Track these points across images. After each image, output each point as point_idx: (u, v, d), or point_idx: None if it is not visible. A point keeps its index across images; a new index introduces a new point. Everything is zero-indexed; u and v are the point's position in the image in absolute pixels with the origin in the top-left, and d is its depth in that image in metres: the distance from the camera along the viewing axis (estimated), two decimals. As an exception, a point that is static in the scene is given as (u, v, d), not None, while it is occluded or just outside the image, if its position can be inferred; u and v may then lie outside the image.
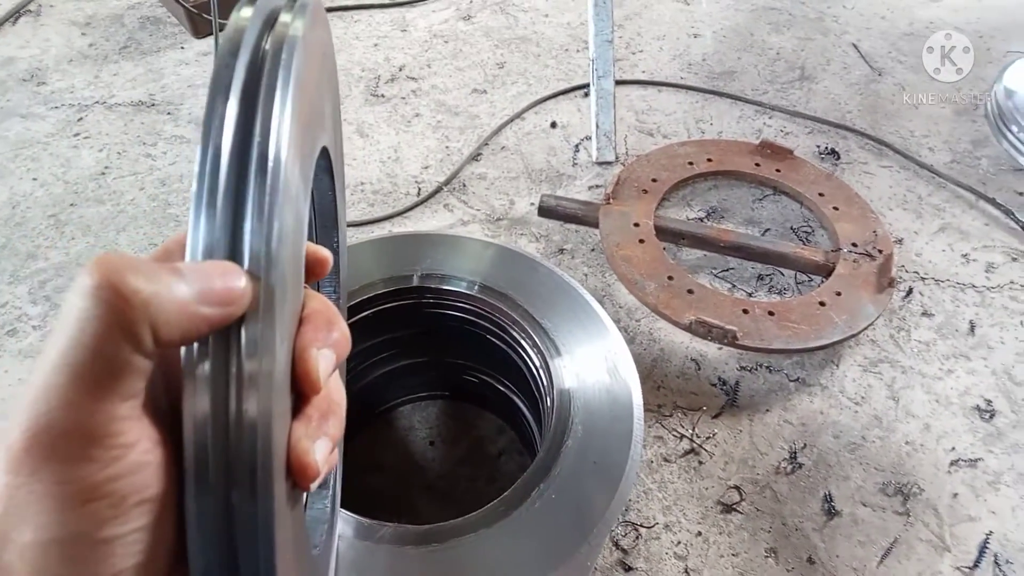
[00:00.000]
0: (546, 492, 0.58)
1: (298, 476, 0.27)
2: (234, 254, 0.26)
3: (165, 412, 0.26)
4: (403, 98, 1.33)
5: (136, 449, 0.23)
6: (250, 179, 0.26)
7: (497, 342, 0.75)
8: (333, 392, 0.30)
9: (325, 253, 0.34)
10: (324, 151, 0.38)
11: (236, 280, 0.25)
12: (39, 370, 0.22)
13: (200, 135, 0.27)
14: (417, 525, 0.57)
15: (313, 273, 0.33)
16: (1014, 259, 1.10)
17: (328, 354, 0.29)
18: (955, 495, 0.85)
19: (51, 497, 0.22)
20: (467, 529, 0.56)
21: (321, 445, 0.28)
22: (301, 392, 0.28)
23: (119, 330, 0.22)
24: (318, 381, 0.28)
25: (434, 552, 0.55)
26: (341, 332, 0.31)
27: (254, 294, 0.25)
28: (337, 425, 0.30)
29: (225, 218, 0.26)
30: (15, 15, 1.43)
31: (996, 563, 0.80)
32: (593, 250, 1.09)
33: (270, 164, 0.26)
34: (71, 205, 1.10)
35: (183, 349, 0.25)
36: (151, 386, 0.24)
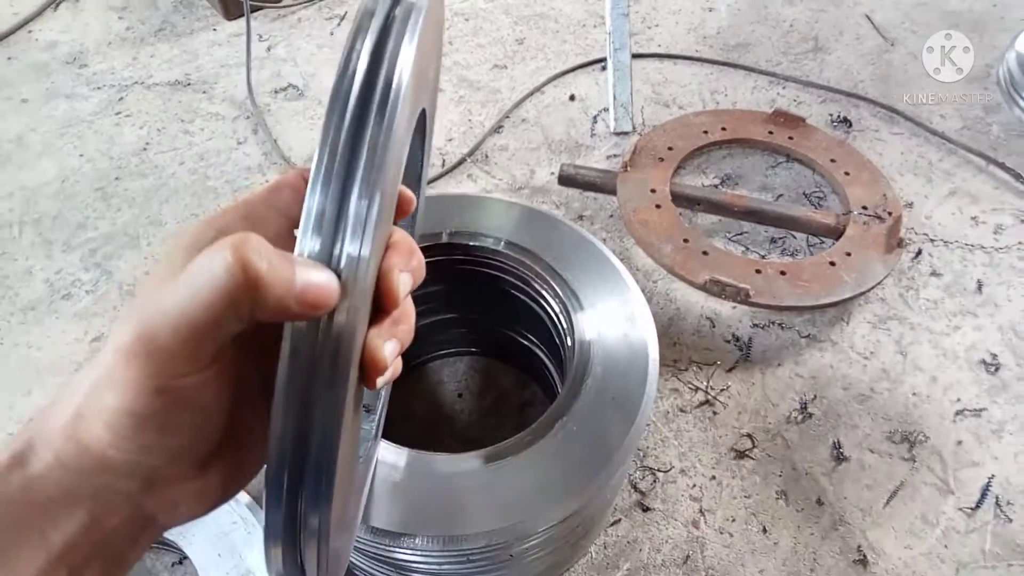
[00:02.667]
0: (568, 424, 0.63)
1: (369, 368, 0.33)
2: (348, 177, 0.31)
3: (246, 335, 0.31)
4: (427, 74, 1.37)
5: (209, 371, 0.30)
6: (371, 116, 0.31)
7: (522, 296, 0.80)
8: (407, 306, 0.35)
9: (411, 194, 0.39)
10: (423, 112, 0.43)
11: (329, 292, 0.30)
12: (165, 296, 0.28)
13: (337, 69, 0.31)
14: (451, 453, 0.62)
15: (401, 211, 0.38)
16: (1022, 221, 1.13)
17: (407, 277, 0.34)
18: (959, 442, 0.89)
19: (135, 381, 0.28)
20: (495, 457, 0.61)
21: (391, 346, 0.33)
22: (382, 306, 0.34)
23: (230, 301, 0.28)
24: (398, 298, 0.34)
25: (468, 476, 0.60)
26: (419, 260, 0.36)
27: (340, 298, 0.30)
28: (407, 331, 0.35)
29: (346, 145, 0.31)
30: (56, 1, 1.49)
31: (997, 504, 0.84)
32: (611, 216, 1.13)
33: (389, 102, 0.31)
34: (116, 179, 1.17)
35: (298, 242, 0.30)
36: None
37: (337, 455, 0.32)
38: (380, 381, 0.34)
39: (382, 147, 0.31)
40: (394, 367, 0.35)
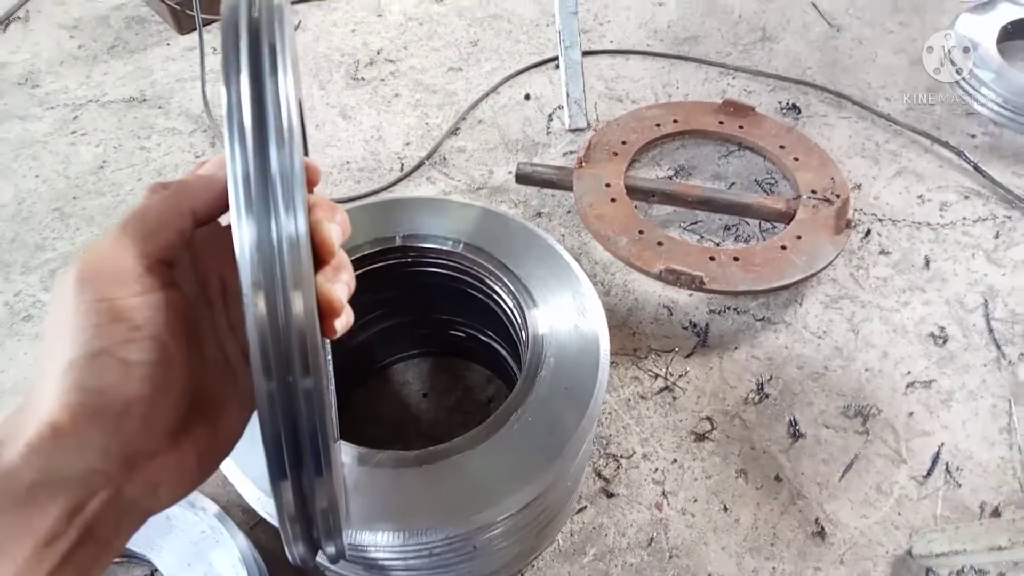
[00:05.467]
0: (523, 416, 0.65)
1: (327, 311, 0.34)
2: (263, 144, 0.32)
3: (190, 290, 0.34)
4: (382, 80, 1.38)
5: (156, 294, 0.32)
6: (265, 68, 0.32)
7: (477, 295, 0.81)
8: (343, 256, 0.37)
9: (315, 164, 0.40)
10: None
11: None
12: (103, 237, 0.31)
13: (223, 87, 0.32)
14: (410, 451, 0.64)
15: (310, 181, 0.39)
16: (966, 197, 1.17)
17: (336, 228, 0.36)
18: (911, 414, 0.92)
19: (89, 312, 0.30)
20: (454, 451, 0.63)
21: (340, 288, 0.35)
22: (320, 257, 0.35)
23: (164, 207, 0.32)
24: (333, 246, 0.35)
25: (427, 472, 0.62)
26: (343, 215, 0.38)
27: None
28: (350, 277, 0.37)
29: (253, 107, 0.32)
30: (5, 22, 1.48)
31: (947, 471, 0.87)
32: (569, 212, 1.15)
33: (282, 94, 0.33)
34: (74, 198, 1.17)
35: (233, 221, 0.32)
36: (182, 264, 0.33)
37: (329, 432, 0.34)
38: (338, 325, 0.35)
39: (284, 103, 0.32)
40: (347, 314, 0.36)
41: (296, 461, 0.34)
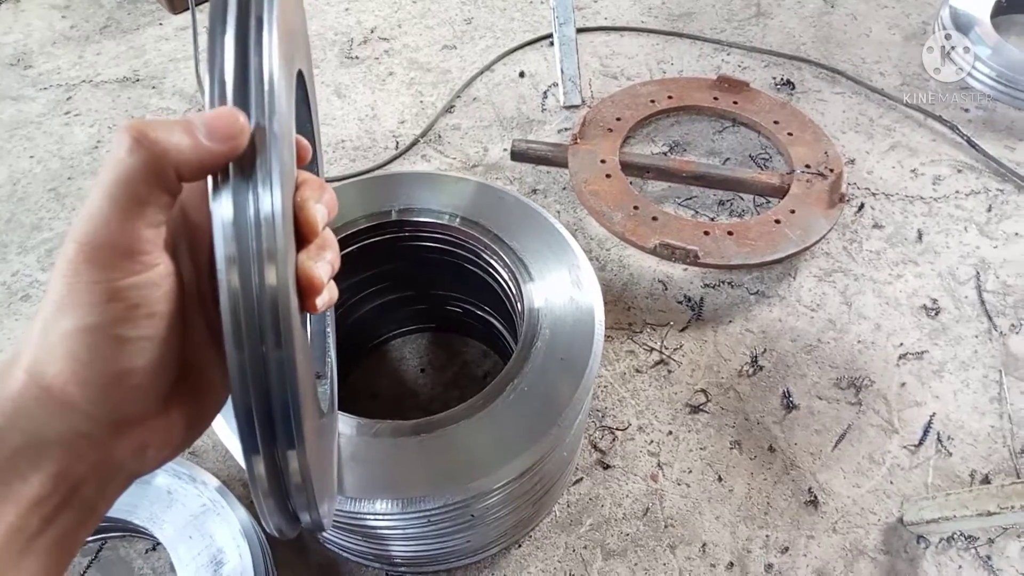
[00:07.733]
0: (519, 386, 0.66)
1: (307, 289, 0.35)
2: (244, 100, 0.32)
3: (182, 257, 0.34)
4: (376, 58, 1.38)
5: (153, 271, 0.31)
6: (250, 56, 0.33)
7: (474, 269, 0.82)
8: (328, 235, 0.37)
9: (306, 142, 0.40)
10: (300, 76, 0.45)
11: (232, 116, 0.31)
12: (88, 202, 0.30)
13: (207, 46, 0.33)
14: (407, 420, 0.64)
15: (300, 158, 0.39)
16: (959, 171, 1.17)
17: (322, 208, 0.36)
18: (903, 384, 0.93)
19: (87, 292, 0.29)
20: (452, 420, 0.64)
21: (322, 267, 0.35)
22: (303, 236, 0.36)
23: (148, 171, 0.30)
24: (316, 226, 0.36)
25: (424, 441, 0.63)
26: (331, 195, 0.38)
27: (252, 132, 0.32)
28: (334, 256, 0.37)
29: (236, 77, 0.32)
30: (-5, 3, 1.48)
31: (939, 440, 0.88)
32: (564, 189, 1.15)
33: (264, 55, 0.33)
34: (69, 178, 1.17)
35: (211, 197, 0.32)
36: (173, 232, 0.32)
37: (300, 399, 0.33)
38: (319, 302, 0.36)
39: (268, 74, 0.32)
40: (330, 291, 0.37)
41: (269, 433, 0.34)
